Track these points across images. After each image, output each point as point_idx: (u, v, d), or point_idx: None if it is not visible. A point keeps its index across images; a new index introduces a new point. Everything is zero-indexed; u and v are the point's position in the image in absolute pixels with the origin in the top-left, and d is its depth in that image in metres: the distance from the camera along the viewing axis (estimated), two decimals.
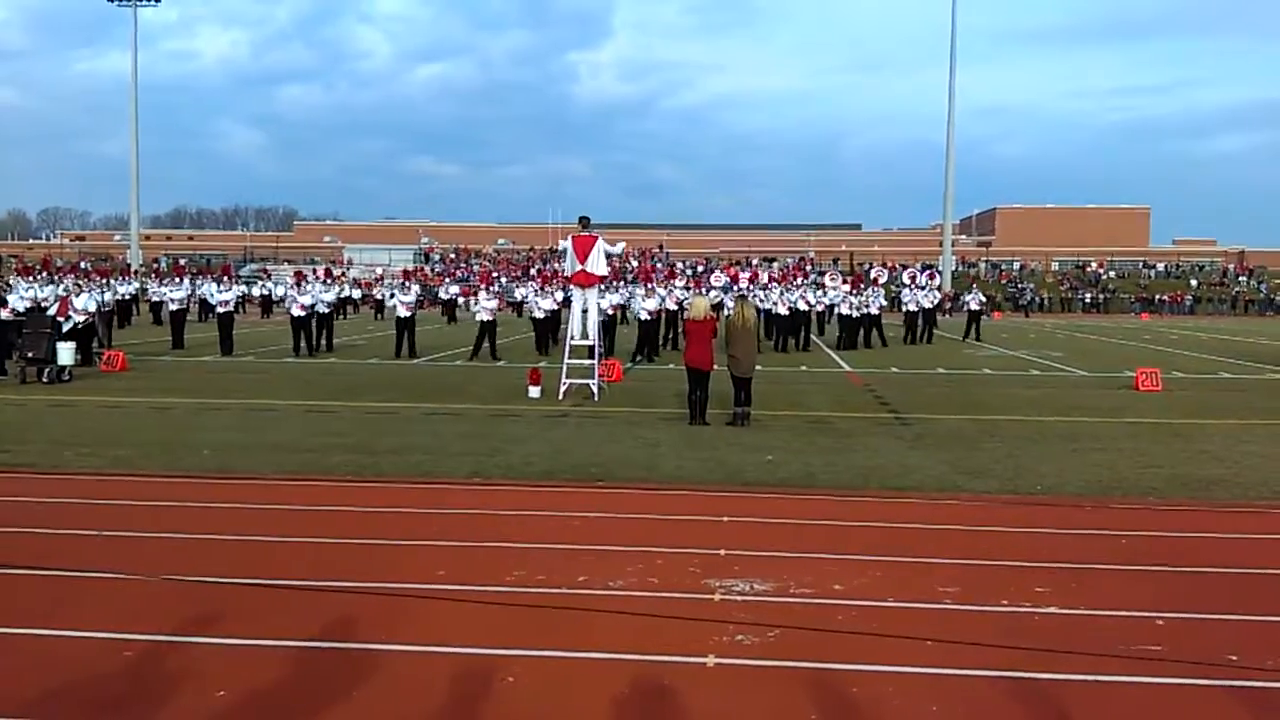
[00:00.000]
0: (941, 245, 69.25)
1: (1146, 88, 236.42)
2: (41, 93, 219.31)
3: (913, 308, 30.78)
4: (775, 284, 30.38)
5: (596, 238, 16.11)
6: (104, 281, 30.41)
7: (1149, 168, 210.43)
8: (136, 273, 36.05)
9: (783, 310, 26.80)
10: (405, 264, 72.50)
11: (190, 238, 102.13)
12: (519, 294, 44.14)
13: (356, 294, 48.95)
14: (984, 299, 35.26)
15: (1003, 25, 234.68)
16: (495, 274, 61.18)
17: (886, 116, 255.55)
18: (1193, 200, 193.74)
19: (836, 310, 29.59)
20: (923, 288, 32.56)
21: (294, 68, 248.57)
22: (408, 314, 23.99)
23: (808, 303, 28.10)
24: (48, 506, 8.55)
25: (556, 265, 59.84)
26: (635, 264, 70.08)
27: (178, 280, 29.07)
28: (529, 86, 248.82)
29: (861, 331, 28.45)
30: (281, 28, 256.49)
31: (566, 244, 16.43)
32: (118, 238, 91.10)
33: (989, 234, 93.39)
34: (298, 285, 25.37)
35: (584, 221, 16.56)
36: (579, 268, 16.02)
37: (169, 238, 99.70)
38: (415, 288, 27.65)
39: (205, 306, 36.66)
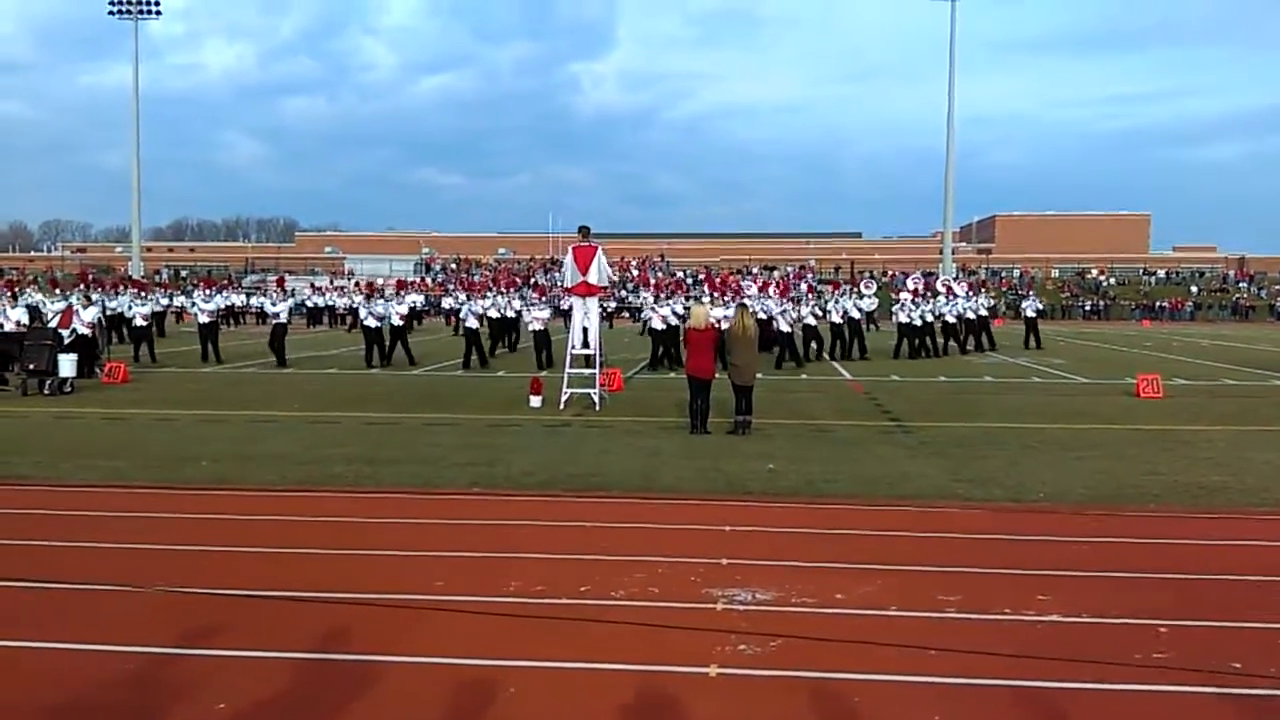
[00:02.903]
0: (942, 253, 69.28)
1: (1145, 95, 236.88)
2: (47, 105, 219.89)
3: (970, 316, 29.87)
4: (831, 291, 30.18)
5: (597, 248, 16.14)
6: (142, 294, 30.58)
7: (1148, 175, 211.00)
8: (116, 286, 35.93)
9: (836, 318, 26.72)
10: (406, 274, 72.55)
11: (192, 249, 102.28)
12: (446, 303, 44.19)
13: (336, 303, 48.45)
14: (1040, 307, 34.85)
15: (1001, 34, 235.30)
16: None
17: (886, 126, 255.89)
18: (1192, 207, 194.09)
19: (895, 319, 29.28)
20: (969, 296, 31.87)
21: (299, 80, 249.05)
22: (476, 326, 24.32)
23: (859, 310, 27.97)
24: (46, 518, 8.54)
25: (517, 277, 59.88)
26: (635, 272, 70.17)
27: (208, 291, 28.99)
28: (532, 97, 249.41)
29: (925, 339, 27.90)
30: (287, 40, 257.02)
31: (567, 256, 16.47)
32: (119, 249, 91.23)
33: (989, 241, 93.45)
34: (369, 297, 25.52)
35: (584, 232, 16.59)
36: (580, 278, 16.04)
37: (170, 249, 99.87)
38: (499, 298, 27.71)
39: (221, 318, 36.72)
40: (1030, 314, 32.68)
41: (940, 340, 28.74)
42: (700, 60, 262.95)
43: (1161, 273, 79.03)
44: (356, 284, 49.03)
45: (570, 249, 16.42)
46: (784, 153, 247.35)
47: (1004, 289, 71.28)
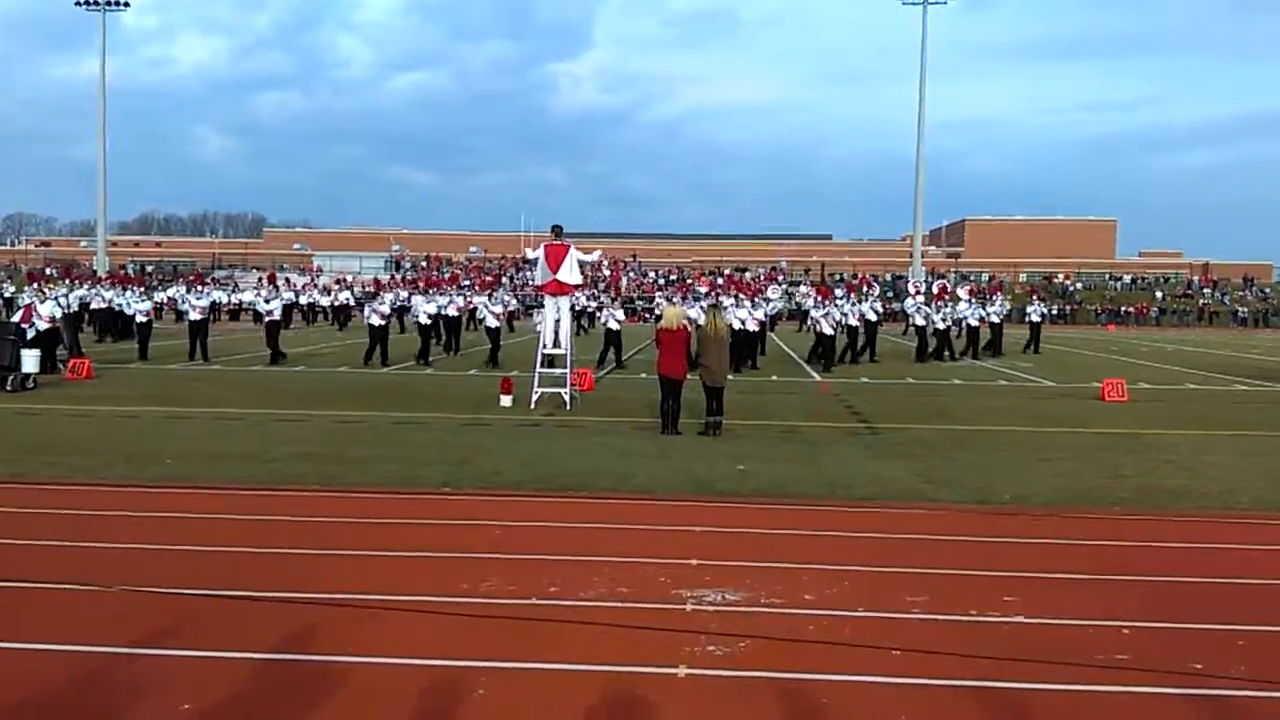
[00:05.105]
0: (911, 256, 69.78)
1: (1114, 103, 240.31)
2: (12, 97, 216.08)
3: (973, 322, 29.76)
4: (846, 294, 29.95)
5: (569, 247, 16.11)
6: (144, 290, 30.21)
7: (1116, 181, 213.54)
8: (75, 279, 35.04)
9: (853, 321, 26.81)
10: (376, 272, 72.11)
11: (158, 244, 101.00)
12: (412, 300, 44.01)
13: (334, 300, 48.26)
14: (1045, 311, 35.02)
15: (974, 40, 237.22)
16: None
17: (860, 129, 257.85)
18: (1158, 213, 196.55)
19: (912, 321, 29.22)
20: (985, 302, 31.71)
21: (272, 75, 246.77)
22: (497, 324, 24.36)
23: (876, 313, 27.96)
24: (5, 516, 8.40)
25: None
26: (608, 273, 70.11)
27: (200, 289, 28.57)
28: (508, 96, 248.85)
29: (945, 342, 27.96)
30: (261, 34, 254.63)
31: (538, 253, 16.39)
32: (84, 243, 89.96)
33: (958, 245, 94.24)
34: (377, 293, 25.30)
35: (556, 231, 16.58)
36: (551, 277, 16.01)
37: (136, 244, 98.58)
38: (509, 299, 27.97)
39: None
40: (1035, 318, 32.84)
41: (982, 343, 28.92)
42: (677, 62, 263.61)
43: (1127, 278, 79.99)
44: (339, 280, 48.77)
45: (542, 246, 16.37)
46: (759, 154, 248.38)
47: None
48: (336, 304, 44.10)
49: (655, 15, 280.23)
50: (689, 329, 14.22)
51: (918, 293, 33.64)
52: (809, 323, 29.51)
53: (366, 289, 52.37)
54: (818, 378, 22.42)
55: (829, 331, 24.24)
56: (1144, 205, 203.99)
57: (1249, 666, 5.31)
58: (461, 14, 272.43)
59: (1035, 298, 37.85)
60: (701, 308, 15.25)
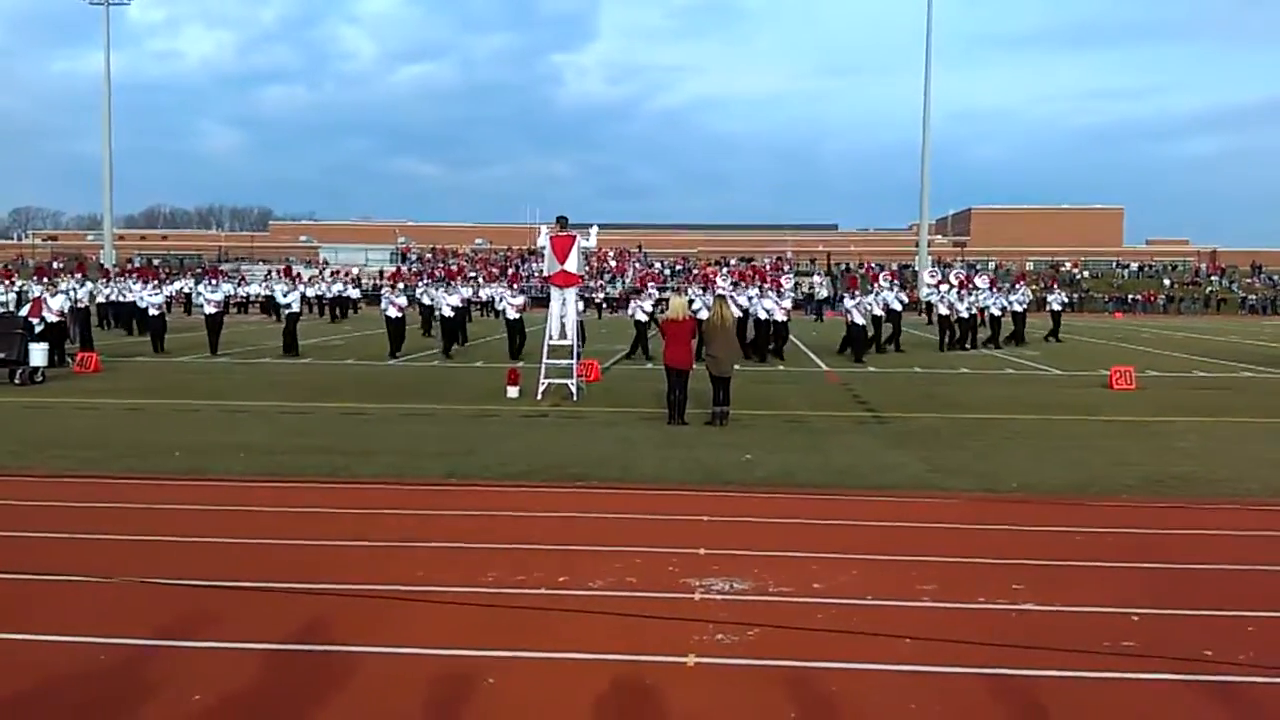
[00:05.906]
0: (917, 246, 69.57)
1: (1120, 91, 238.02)
2: (18, 91, 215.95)
3: (996, 311, 29.53)
4: (890, 283, 29.67)
5: (575, 237, 16.10)
6: (156, 284, 30.20)
7: (1122, 169, 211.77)
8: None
9: (878, 310, 26.74)
10: (382, 264, 72.20)
11: (164, 238, 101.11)
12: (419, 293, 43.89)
13: (356, 293, 48.57)
14: (1065, 300, 34.71)
15: (979, 29, 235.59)
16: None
17: (865, 119, 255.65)
18: (1165, 201, 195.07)
19: (936, 311, 29.19)
20: (1005, 291, 31.44)
21: (278, 68, 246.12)
22: (517, 315, 24.37)
23: (901, 303, 27.80)
24: (16, 508, 8.44)
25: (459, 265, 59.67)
26: (613, 262, 70.10)
27: (213, 282, 28.51)
28: (512, 88, 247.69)
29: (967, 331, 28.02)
30: (266, 28, 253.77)
31: (544, 243, 16.40)
32: (90, 237, 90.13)
33: (964, 234, 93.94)
34: (393, 286, 25.23)
35: (562, 221, 16.57)
36: (558, 267, 16.01)
37: (143, 237, 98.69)
38: (521, 296, 28.10)
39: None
40: (1056, 307, 32.59)
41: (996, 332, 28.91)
42: (681, 52, 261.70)
43: (1135, 266, 79.70)
44: (335, 272, 48.79)
45: (549, 238, 16.37)
46: (763, 145, 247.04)
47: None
48: (332, 296, 44.15)
49: (659, 7, 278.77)
50: (694, 320, 14.21)
51: (940, 282, 33.47)
52: (842, 312, 29.51)
53: (377, 282, 52.32)
54: (824, 367, 22.39)
55: (860, 321, 24.23)
56: (1150, 193, 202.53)
57: (1258, 653, 5.31)
58: (466, 5, 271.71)
59: (1056, 286, 37.49)
60: (718, 297, 15.15)
